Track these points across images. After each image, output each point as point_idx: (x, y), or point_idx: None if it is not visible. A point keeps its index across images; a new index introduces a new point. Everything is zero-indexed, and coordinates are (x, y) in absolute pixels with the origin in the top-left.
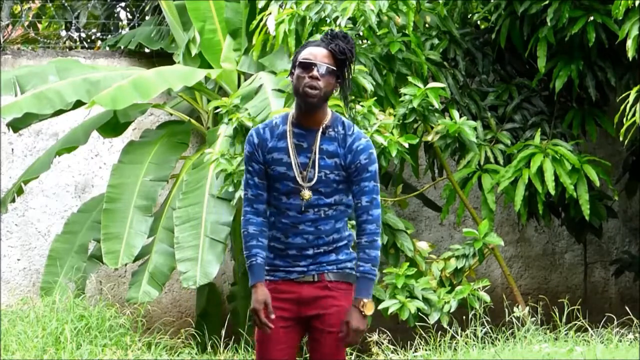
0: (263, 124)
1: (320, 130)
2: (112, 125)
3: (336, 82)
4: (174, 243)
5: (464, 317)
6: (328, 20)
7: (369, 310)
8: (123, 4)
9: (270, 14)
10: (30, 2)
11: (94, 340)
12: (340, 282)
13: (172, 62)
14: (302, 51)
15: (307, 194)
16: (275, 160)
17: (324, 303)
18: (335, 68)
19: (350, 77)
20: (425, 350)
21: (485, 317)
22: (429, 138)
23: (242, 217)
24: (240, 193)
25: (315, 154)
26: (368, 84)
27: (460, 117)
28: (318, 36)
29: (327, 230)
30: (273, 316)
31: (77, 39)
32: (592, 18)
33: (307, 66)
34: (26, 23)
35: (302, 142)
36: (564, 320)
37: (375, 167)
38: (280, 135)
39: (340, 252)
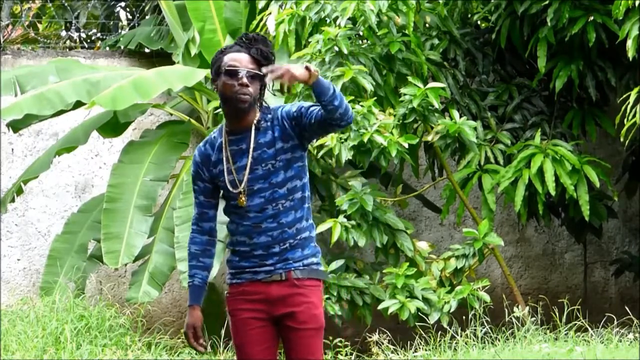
0: (203, 142)
1: (253, 128)
2: (112, 125)
3: (261, 85)
4: (174, 243)
5: (464, 317)
6: (328, 20)
7: (314, 71)
8: (123, 4)
9: (270, 14)
10: (30, 2)
11: (94, 340)
12: (307, 278)
13: (172, 62)
14: (224, 58)
15: (242, 199)
16: (221, 171)
17: (294, 301)
18: (260, 73)
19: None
20: (425, 350)
21: (485, 317)
22: (429, 138)
23: (189, 235)
24: None
25: (251, 152)
26: (368, 84)
27: (460, 117)
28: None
29: (289, 222)
30: (202, 341)
31: (77, 39)
32: (592, 18)
33: (234, 73)
34: (26, 23)
35: (241, 145)
36: (564, 320)
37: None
38: (219, 147)
39: (305, 246)
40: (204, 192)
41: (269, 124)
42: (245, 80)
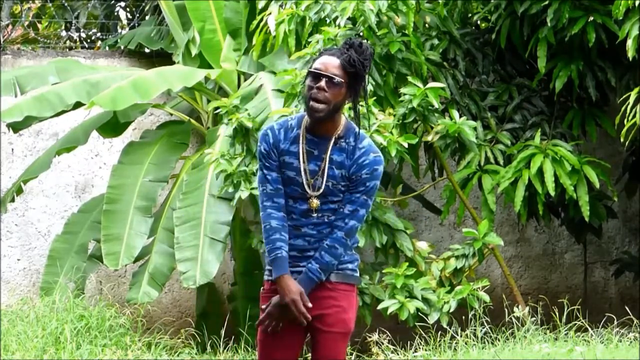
0: (278, 124)
1: (333, 140)
2: (112, 125)
3: (347, 93)
4: (173, 243)
5: (464, 317)
6: (328, 20)
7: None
8: (123, 4)
9: (270, 14)
10: (30, 2)
11: (94, 340)
12: (340, 282)
13: (172, 62)
14: (317, 59)
15: (315, 202)
16: (286, 163)
17: (325, 303)
18: (343, 80)
19: (364, 88)
20: (425, 350)
21: (485, 317)
22: (429, 138)
23: (261, 212)
24: (239, 194)
25: (325, 162)
26: (367, 84)
27: (460, 117)
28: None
29: (328, 233)
30: (310, 305)
31: (77, 39)
32: (592, 18)
33: (316, 76)
34: (26, 23)
35: (314, 149)
36: (564, 320)
37: (374, 183)
38: (293, 139)
39: (336, 265)
40: (277, 169)
41: (347, 146)
42: (322, 84)
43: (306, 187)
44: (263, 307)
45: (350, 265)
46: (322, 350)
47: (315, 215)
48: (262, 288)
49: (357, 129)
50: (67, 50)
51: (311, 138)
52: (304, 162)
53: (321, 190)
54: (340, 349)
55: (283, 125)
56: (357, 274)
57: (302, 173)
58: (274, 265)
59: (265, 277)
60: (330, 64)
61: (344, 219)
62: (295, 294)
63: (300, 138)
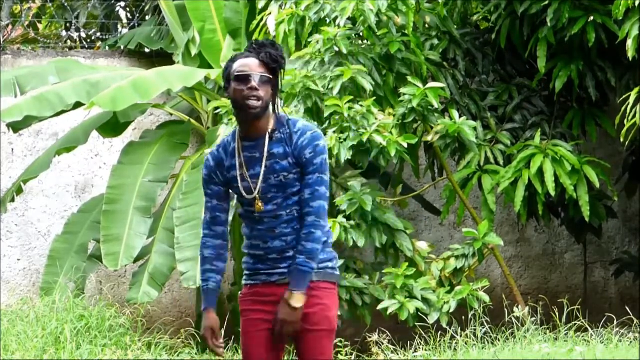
0: (217, 145)
1: (267, 136)
2: (112, 125)
3: (272, 89)
4: (173, 243)
5: (464, 317)
6: (328, 20)
7: (297, 302)
8: (123, 4)
9: (270, 14)
10: (30, 2)
11: (94, 340)
12: (321, 281)
13: (172, 62)
14: (233, 65)
15: (259, 204)
16: (234, 177)
17: (307, 302)
18: (270, 76)
19: (281, 83)
20: (425, 350)
21: (485, 317)
22: (429, 138)
23: (201, 240)
24: None
25: (264, 160)
26: (367, 84)
27: (460, 117)
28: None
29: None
30: (221, 341)
31: (77, 39)
32: (592, 18)
33: (244, 78)
34: (26, 23)
35: (254, 153)
36: (564, 320)
37: (321, 158)
38: (232, 153)
39: (321, 251)
40: (217, 196)
41: (283, 136)
42: (254, 84)
43: (243, 191)
44: (241, 309)
45: (329, 264)
46: (310, 350)
47: (283, 213)
48: (240, 293)
49: (288, 117)
50: (67, 50)
51: (248, 144)
52: (242, 169)
53: (257, 190)
54: (326, 347)
55: (221, 144)
56: (337, 272)
57: (240, 180)
58: (203, 296)
59: (243, 282)
60: (252, 64)
61: (308, 204)
62: (206, 330)
63: (237, 149)
